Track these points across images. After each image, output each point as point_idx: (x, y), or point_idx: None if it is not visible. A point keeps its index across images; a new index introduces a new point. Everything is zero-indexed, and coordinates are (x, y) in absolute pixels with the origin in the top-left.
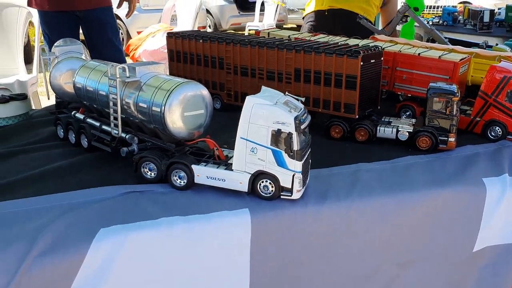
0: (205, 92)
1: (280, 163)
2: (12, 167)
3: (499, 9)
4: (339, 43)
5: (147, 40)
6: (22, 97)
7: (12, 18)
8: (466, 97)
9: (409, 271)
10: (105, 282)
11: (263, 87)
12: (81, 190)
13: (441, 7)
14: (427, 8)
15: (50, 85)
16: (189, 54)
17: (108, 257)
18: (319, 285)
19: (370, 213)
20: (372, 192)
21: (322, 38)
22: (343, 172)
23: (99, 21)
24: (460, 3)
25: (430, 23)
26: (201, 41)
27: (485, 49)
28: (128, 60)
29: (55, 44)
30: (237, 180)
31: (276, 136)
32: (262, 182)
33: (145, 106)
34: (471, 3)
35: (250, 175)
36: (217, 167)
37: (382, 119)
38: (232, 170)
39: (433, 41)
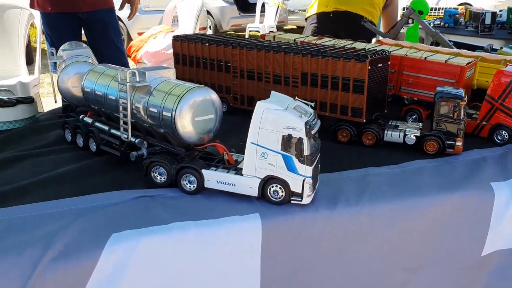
0: (214, 97)
1: (291, 168)
2: (21, 172)
3: (500, 11)
4: (345, 47)
5: (149, 42)
6: (29, 100)
7: (14, 20)
8: (471, 101)
9: (419, 276)
10: (117, 287)
11: (273, 92)
12: (92, 194)
13: (442, 9)
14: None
15: (58, 89)
16: (195, 57)
17: (120, 262)
18: None
19: (380, 218)
20: (383, 197)
21: (327, 41)
22: (352, 176)
23: (102, 23)
24: (460, 4)
25: (432, 25)
26: (207, 44)
27: (489, 52)
28: (130, 61)
29: (62, 48)
30: (247, 184)
31: (287, 141)
32: (272, 187)
33: (156, 111)
34: (471, 5)
35: (260, 180)
36: (227, 172)
37: (389, 123)
38: (242, 174)
39: (437, 44)
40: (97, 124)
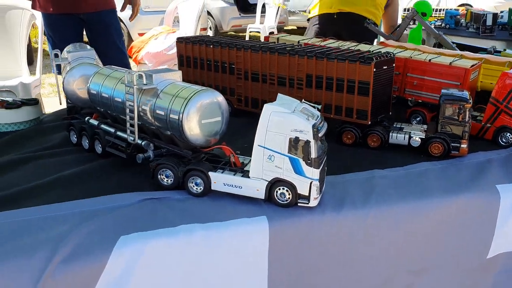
0: (221, 99)
1: (298, 170)
2: (27, 174)
3: (501, 12)
4: (350, 49)
5: (150, 43)
6: (34, 102)
7: (16, 20)
8: (475, 103)
9: (424, 279)
10: None
11: (279, 95)
12: (100, 197)
13: (443, 10)
14: None
15: (63, 91)
16: (199, 59)
17: (128, 264)
18: None
19: (386, 221)
20: (389, 199)
21: (332, 43)
22: (358, 178)
23: (104, 24)
24: (460, 5)
25: (433, 26)
26: (211, 46)
27: (493, 54)
28: (131, 62)
29: (66, 49)
30: (254, 187)
31: (294, 143)
32: (279, 189)
33: (163, 114)
34: (472, 6)
35: (267, 182)
36: (234, 174)
37: (394, 125)
38: (249, 177)
39: (439, 45)
40: (103, 126)
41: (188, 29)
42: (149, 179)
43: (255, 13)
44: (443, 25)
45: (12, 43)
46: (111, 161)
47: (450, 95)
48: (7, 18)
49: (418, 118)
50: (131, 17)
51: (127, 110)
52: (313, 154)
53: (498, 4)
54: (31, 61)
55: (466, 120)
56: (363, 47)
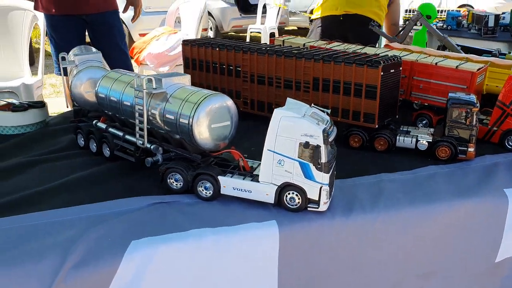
0: (230, 103)
1: (308, 175)
2: (34, 177)
3: (503, 13)
4: (357, 52)
5: (152, 43)
6: (41, 104)
7: (18, 21)
8: (481, 106)
9: (432, 282)
10: None
11: (288, 99)
12: (109, 201)
13: (444, 11)
14: None
15: (70, 94)
16: (205, 62)
17: (139, 269)
18: None
19: (395, 225)
20: (397, 203)
21: (337, 46)
22: (366, 182)
23: (107, 25)
24: (461, 6)
25: (434, 27)
26: (217, 49)
27: (498, 57)
28: (132, 62)
29: (73, 52)
30: (264, 191)
31: (304, 148)
32: (289, 194)
33: (172, 118)
34: (473, 7)
35: (277, 186)
36: (243, 178)
37: (401, 128)
38: (258, 181)
39: (443, 48)
40: (111, 129)
41: (190, 30)
42: (157, 183)
43: (255, 13)
44: (444, 26)
45: (14, 44)
46: (119, 165)
47: (458, 99)
48: (9, 19)
49: (424, 121)
50: (133, 19)
51: (137, 114)
52: (323, 159)
53: (499, 5)
54: (32, 61)
55: (474, 123)
56: (369, 50)
